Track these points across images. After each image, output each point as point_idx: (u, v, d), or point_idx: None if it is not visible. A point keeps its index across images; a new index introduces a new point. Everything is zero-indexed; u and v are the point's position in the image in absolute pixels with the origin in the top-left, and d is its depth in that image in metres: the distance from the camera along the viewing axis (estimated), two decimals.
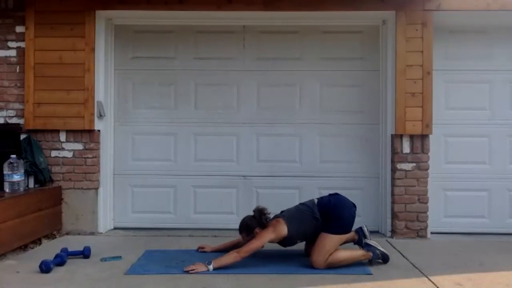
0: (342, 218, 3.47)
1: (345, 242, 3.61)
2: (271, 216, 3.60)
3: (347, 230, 3.50)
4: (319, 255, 3.38)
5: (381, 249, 3.56)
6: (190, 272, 3.27)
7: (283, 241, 3.51)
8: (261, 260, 3.60)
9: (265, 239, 3.38)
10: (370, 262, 3.54)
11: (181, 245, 4.13)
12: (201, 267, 3.30)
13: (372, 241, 3.61)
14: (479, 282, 3.17)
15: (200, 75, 4.81)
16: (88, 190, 4.55)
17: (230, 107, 4.82)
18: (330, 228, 3.43)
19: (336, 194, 3.68)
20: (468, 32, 4.72)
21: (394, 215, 4.51)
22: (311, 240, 3.55)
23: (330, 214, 3.47)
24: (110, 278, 3.20)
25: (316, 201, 3.60)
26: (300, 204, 3.66)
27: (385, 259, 3.55)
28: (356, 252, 3.55)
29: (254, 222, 3.54)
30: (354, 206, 3.60)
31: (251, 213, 3.63)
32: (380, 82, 4.73)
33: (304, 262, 3.55)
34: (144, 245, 4.11)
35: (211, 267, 3.30)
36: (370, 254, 3.52)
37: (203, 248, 3.91)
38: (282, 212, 3.63)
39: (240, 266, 3.43)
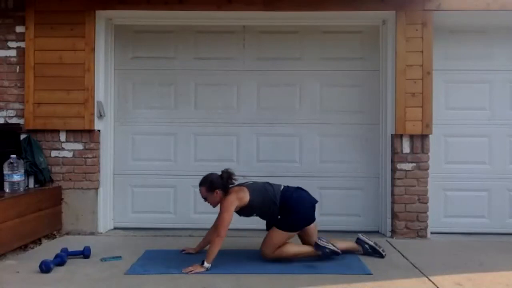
0: (296, 216, 3.55)
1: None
2: (236, 183, 3.62)
3: (298, 229, 3.58)
4: (267, 248, 3.53)
5: (332, 247, 3.59)
6: (189, 273, 3.27)
7: (242, 210, 3.53)
8: (261, 260, 3.60)
9: (232, 208, 3.42)
10: (320, 257, 3.59)
11: (181, 245, 4.11)
12: (198, 268, 3.30)
13: (322, 241, 3.61)
14: (479, 282, 3.17)
15: (200, 75, 4.81)
16: (88, 190, 4.55)
17: (230, 107, 4.82)
18: (281, 225, 3.53)
19: (301, 189, 3.72)
20: (468, 32, 4.72)
21: (394, 215, 4.51)
22: (266, 220, 3.66)
23: (287, 209, 3.55)
24: (110, 278, 3.20)
25: (282, 188, 3.66)
26: (267, 183, 3.71)
27: (333, 254, 3.59)
28: (305, 249, 3.63)
29: (219, 183, 3.54)
30: (315, 202, 3.67)
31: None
32: (380, 82, 4.73)
33: (304, 262, 3.56)
34: (144, 245, 4.11)
35: (206, 265, 3.30)
36: (319, 253, 3.59)
37: (185, 250, 3.86)
38: (245, 182, 3.67)
39: (240, 266, 3.44)
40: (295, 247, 3.64)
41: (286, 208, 3.55)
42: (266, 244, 3.55)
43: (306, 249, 3.63)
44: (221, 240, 3.36)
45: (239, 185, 3.63)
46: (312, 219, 3.64)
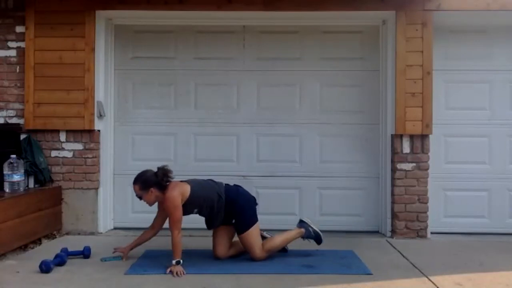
0: (244, 210, 3.58)
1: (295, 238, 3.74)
2: (173, 180, 3.55)
3: (255, 220, 3.60)
4: (254, 252, 3.56)
5: (315, 227, 3.69)
6: (173, 274, 3.25)
7: (182, 206, 3.44)
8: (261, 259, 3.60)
9: (178, 203, 3.37)
10: (303, 238, 3.67)
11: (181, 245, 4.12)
12: (174, 267, 3.28)
13: (306, 219, 3.74)
14: (479, 282, 3.17)
15: (200, 75, 4.81)
16: (88, 190, 4.55)
17: (230, 107, 4.82)
18: (241, 226, 3.56)
19: (239, 186, 3.76)
20: (468, 32, 4.72)
21: (394, 215, 4.51)
22: (206, 217, 3.62)
23: (233, 204, 3.55)
24: (110, 278, 3.20)
25: (224, 184, 3.67)
26: (210, 179, 3.71)
27: (318, 238, 3.68)
28: (290, 233, 3.70)
29: (153, 181, 3.43)
30: (255, 200, 3.74)
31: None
32: (380, 82, 4.73)
33: (304, 262, 3.56)
34: (144, 245, 4.10)
35: (174, 262, 3.30)
36: (303, 230, 3.67)
37: (117, 249, 3.72)
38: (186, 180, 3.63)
39: (240, 266, 3.45)
40: (281, 236, 3.68)
41: (232, 204, 3.55)
42: (252, 250, 3.56)
43: (291, 233, 3.69)
44: (179, 236, 3.34)
45: (180, 182, 3.55)
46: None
